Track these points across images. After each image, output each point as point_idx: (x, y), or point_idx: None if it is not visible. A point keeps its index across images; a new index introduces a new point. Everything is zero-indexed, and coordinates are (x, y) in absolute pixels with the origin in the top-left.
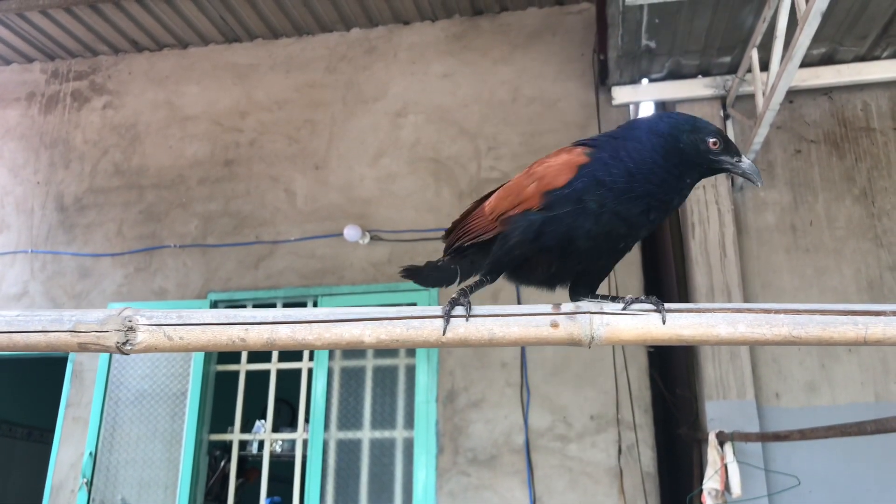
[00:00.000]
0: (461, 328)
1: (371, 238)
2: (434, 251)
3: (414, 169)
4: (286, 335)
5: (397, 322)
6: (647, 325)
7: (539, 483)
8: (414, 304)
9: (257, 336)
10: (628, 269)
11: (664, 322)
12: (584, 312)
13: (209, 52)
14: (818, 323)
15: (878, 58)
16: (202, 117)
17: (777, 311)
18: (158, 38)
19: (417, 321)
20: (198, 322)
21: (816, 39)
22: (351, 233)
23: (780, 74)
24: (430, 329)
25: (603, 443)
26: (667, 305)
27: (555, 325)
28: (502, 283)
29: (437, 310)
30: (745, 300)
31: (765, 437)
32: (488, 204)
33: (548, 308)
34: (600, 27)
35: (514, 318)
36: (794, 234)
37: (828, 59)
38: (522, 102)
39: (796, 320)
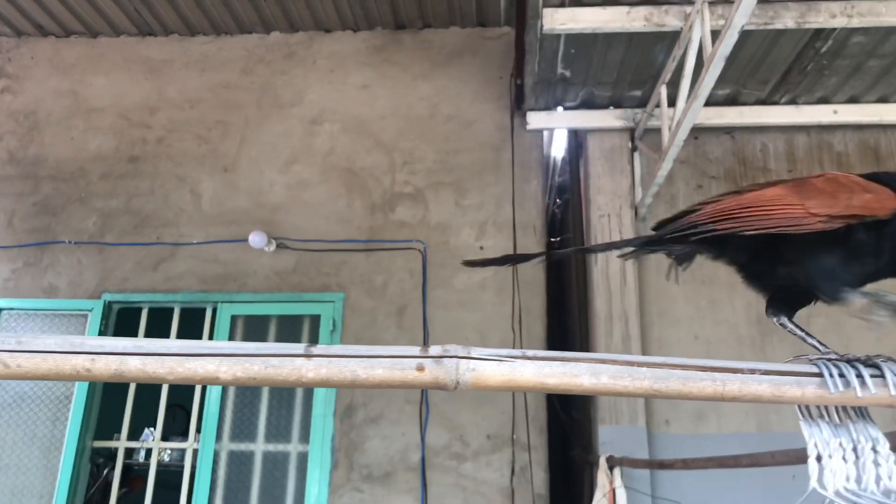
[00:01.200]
0: (323, 368)
1: (277, 246)
2: (341, 263)
3: (326, 178)
4: (136, 367)
5: (255, 359)
6: (513, 372)
7: (432, 501)
8: (318, 316)
9: (104, 367)
10: (532, 289)
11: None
12: (452, 357)
13: (120, 43)
14: (678, 378)
15: (777, 103)
16: (109, 110)
17: (640, 364)
18: (66, 23)
19: (277, 359)
20: (39, 349)
21: (722, 81)
22: (256, 239)
23: (686, 112)
24: (290, 368)
25: (497, 462)
26: (533, 353)
27: (420, 368)
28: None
29: (298, 348)
30: (642, 328)
31: (651, 465)
32: (815, 197)
33: (415, 350)
34: (518, 52)
35: (378, 359)
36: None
37: (732, 101)
38: (440, 120)
39: (657, 374)
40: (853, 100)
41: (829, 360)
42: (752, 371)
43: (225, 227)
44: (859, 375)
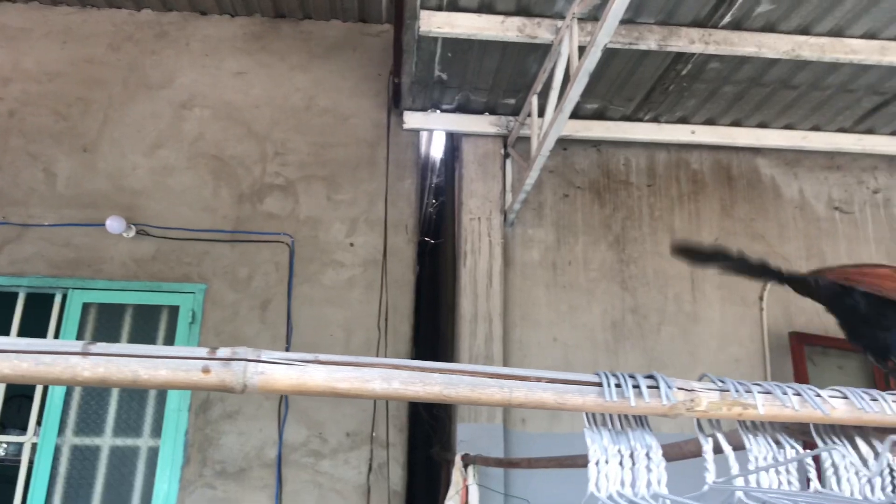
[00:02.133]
0: (101, 367)
1: (137, 232)
2: (204, 253)
3: (193, 164)
4: None
5: (26, 356)
6: (303, 376)
7: (287, 498)
8: (177, 307)
9: None
10: (401, 288)
11: None
12: (240, 359)
13: None
14: (468, 384)
15: (640, 120)
16: None
17: (432, 370)
18: None
19: (50, 357)
20: None
21: (590, 96)
22: (114, 224)
23: (552, 123)
24: (63, 366)
25: (356, 460)
26: (327, 358)
27: (206, 370)
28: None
29: (76, 345)
30: (505, 329)
31: (500, 463)
32: None
33: (203, 352)
34: (396, 52)
35: (163, 360)
36: (555, 272)
37: (599, 115)
38: (315, 112)
39: (449, 380)
40: (709, 121)
41: (612, 373)
42: (539, 379)
43: (81, 209)
44: (636, 386)
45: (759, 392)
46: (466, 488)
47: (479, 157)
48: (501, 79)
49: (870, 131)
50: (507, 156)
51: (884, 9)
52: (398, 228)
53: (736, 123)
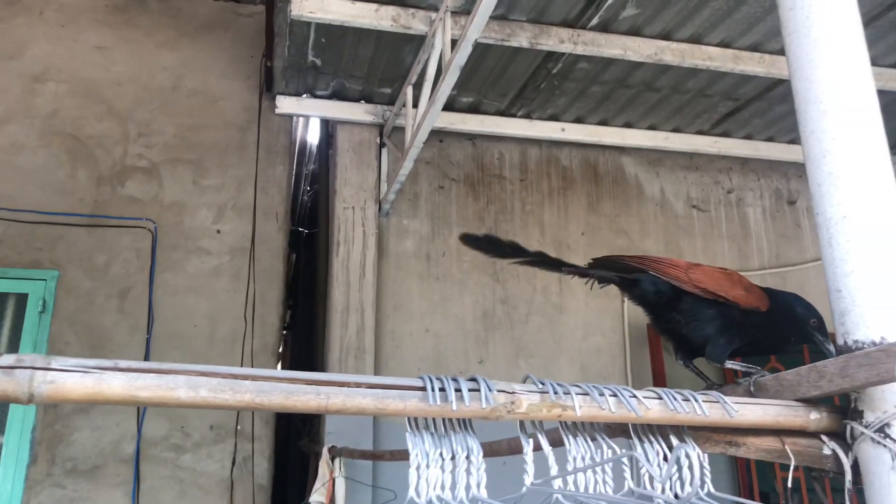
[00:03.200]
0: None
1: None
2: (58, 238)
3: (47, 143)
4: None
5: None
6: (100, 385)
7: (145, 495)
8: (26, 295)
9: None
10: (269, 278)
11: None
12: (26, 367)
13: None
14: (282, 391)
15: (514, 115)
16: None
17: (244, 377)
18: None
19: None
20: None
21: (466, 89)
22: None
23: (425, 115)
24: None
25: (219, 454)
26: (127, 364)
27: None
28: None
29: None
30: (377, 319)
31: (364, 455)
32: (698, 271)
33: None
34: (268, 34)
35: None
36: (429, 263)
37: (475, 109)
38: (183, 93)
39: (261, 387)
40: (579, 120)
41: (437, 377)
42: (358, 384)
43: None
44: (458, 390)
45: (578, 394)
46: (333, 480)
47: (354, 146)
48: (377, 67)
49: (725, 134)
50: (382, 145)
51: (737, 20)
52: (268, 216)
53: (603, 123)
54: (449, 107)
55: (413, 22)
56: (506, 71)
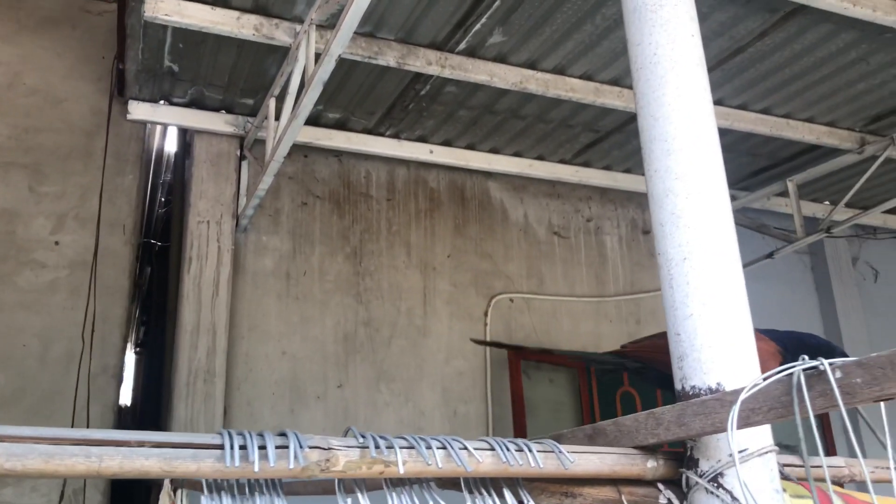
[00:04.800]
0: None
1: None
2: None
3: None
4: None
5: None
6: None
7: None
8: None
9: None
10: (114, 295)
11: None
12: None
13: None
14: (41, 454)
15: (382, 134)
16: None
17: None
18: None
19: None
20: None
21: (333, 105)
22: None
23: (286, 129)
24: None
25: (45, 487)
26: None
27: None
28: None
29: None
30: (230, 341)
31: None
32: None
33: None
34: (120, 35)
35: None
36: (288, 282)
37: (342, 125)
38: (21, 91)
39: (11, 450)
40: (447, 143)
41: (238, 432)
42: (141, 443)
43: None
44: (263, 447)
45: (403, 448)
46: None
47: (212, 157)
48: (239, 77)
49: (586, 164)
50: (243, 158)
51: (599, 54)
52: (114, 228)
53: (471, 147)
54: (315, 122)
55: (277, 33)
56: (374, 89)
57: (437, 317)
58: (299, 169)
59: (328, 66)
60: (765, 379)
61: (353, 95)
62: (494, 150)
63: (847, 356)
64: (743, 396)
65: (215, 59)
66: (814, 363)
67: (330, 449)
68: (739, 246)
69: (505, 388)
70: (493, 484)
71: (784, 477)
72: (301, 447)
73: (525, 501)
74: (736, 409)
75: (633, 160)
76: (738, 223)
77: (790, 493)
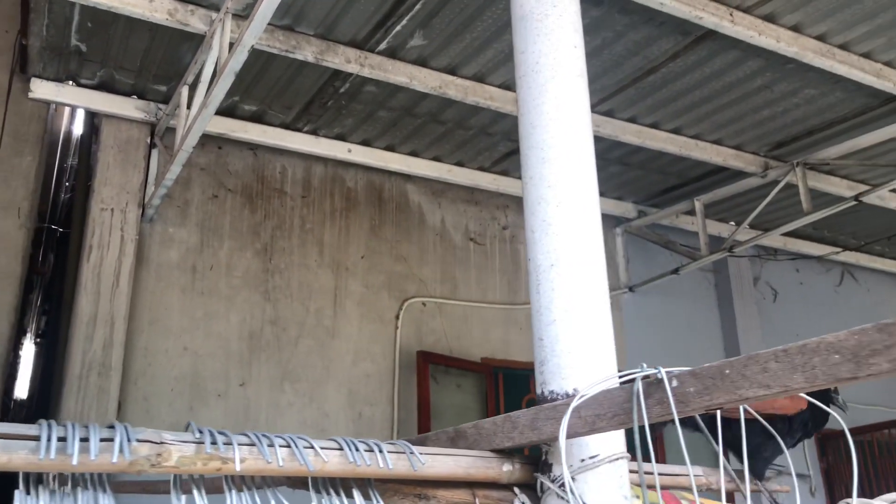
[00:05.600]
0: None
1: None
2: None
3: None
4: None
5: None
6: None
7: None
8: None
9: None
10: (2, 282)
11: None
12: None
13: None
14: None
15: (299, 130)
16: None
17: None
18: None
19: None
20: None
21: (250, 97)
22: None
23: (196, 118)
24: None
25: None
26: None
27: None
28: None
29: None
30: (129, 334)
31: None
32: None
33: None
34: (24, 9)
35: None
36: (194, 276)
37: (258, 118)
38: None
39: None
40: (366, 142)
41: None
42: None
43: None
44: (85, 439)
45: (243, 444)
46: None
47: (120, 143)
48: (151, 62)
49: (504, 173)
50: (153, 146)
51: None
52: (8, 211)
53: (390, 148)
54: (230, 113)
55: (192, 19)
56: (292, 83)
57: (347, 318)
58: (212, 161)
59: (241, 56)
60: (624, 381)
61: (271, 89)
62: (414, 153)
63: (837, 400)
64: (575, 403)
65: (127, 41)
66: (651, 371)
67: (162, 443)
68: (648, 261)
69: (412, 391)
70: (343, 484)
71: (643, 484)
72: (129, 440)
73: (375, 502)
74: (567, 415)
75: None
76: (646, 239)
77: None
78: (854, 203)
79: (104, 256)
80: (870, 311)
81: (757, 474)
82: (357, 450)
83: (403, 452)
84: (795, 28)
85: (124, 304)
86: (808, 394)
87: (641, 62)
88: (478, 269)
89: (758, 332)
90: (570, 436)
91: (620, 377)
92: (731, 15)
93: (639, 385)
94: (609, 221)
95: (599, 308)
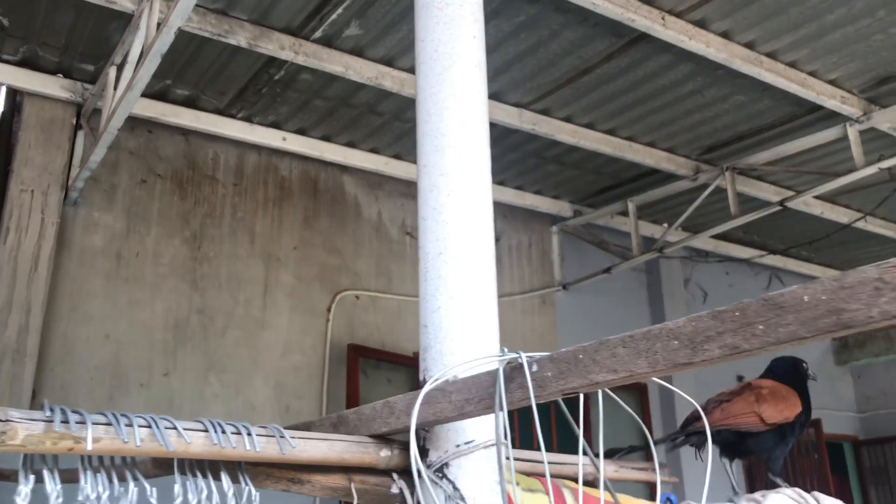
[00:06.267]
0: None
1: None
2: None
3: None
4: None
5: None
6: None
7: None
8: None
9: None
10: None
11: None
12: None
13: None
14: None
15: (233, 116)
16: None
17: None
18: None
19: None
20: None
21: (182, 81)
22: None
23: (122, 100)
24: None
25: None
26: None
27: None
28: None
29: None
30: (47, 320)
31: None
32: (764, 414)
33: None
34: None
35: None
36: (119, 262)
37: (191, 103)
38: None
39: None
40: (301, 132)
41: None
42: None
43: None
44: None
45: (99, 424)
46: None
47: (43, 122)
48: (78, 40)
49: None
50: (79, 127)
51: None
52: None
53: (326, 138)
54: (162, 97)
55: None
56: (225, 69)
57: (278, 309)
58: (142, 145)
59: (167, 37)
60: (498, 367)
61: (204, 73)
62: (351, 144)
63: (809, 374)
64: (427, 388)
65: (52, 17)
66: (513, 355)
67: (8, 421)
68: (583, 260)
69: (342, 385)
70: (212, 467)
71: (502, 468)
72: None
73: (244, 485)
74: (418, 401)
75: None
76: (581, 238)
77: (523, 487)
78: (780, 208)
79: (22, 240)
80: None
81: (773, 471)
82: (223, 432)
83: (273, 436)
84: (725, 35)
85: (42, 290)
86: (789, 370)
87: (577, 62)
88: (413, 263)
89: None
90: (440, 421)
91: (483, 362)
92: (662, 19)
93: (501, 371)
94: (545, 220)
95: (485, 297)
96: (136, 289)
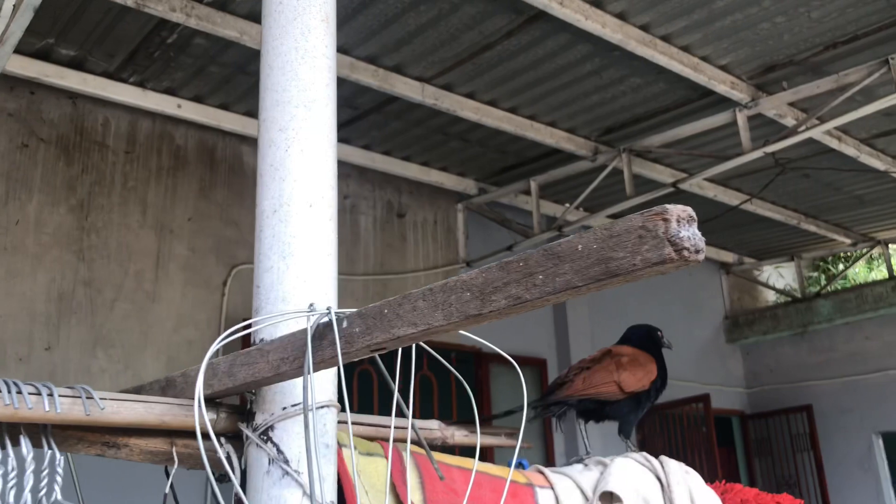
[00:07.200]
0: None
1: None
2: None
3: None
4: None
5: None
6: None
7: None
8: None
9: None
10: None
11: None
12: None
13: None
14: None
15: (124, 81)
16: None
17: None
18: None
19: None
20: None
21: (67, 40)
22: None
23: None
24: None
25: None
26: None
27: None
28: None
29: None
30: None
31: None
32: (623, 383)
33: None
34: None
35: None
36: (6, 237)
37: (78, 65)
38: None
39: None
40: (198, 99)
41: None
42: None
43: None
44: None
45: None
46: None
47: None
48: None
49: (345, 141)
50: None
51: (354, 28)
52: None
53: (224, 107)
54: (45, 56)
55: None
56: (114, 29)
57: (170, 282)
58: (23, 107)
59: None
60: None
61: (90, 33)
62: (250, 114)
63: (664, 342)
64: (215, 347)
65: None
66: (322, 311)
67: None
68: (487, 237)
69: None
70: (11, 430)
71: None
72: None
73: (47, 449)
74: (206, 360)
75: (392, 142)
76: (484, 215)
77: (362, 450)
78: (672, 190)
79: None
80: (691, 294)
81: (625, 434)
82: (20, 392)
83: (79, 396)
84: (621, 16)
85: None
86: (644, 338)
87: (478, 37)
88: None
89: (584, 307)
90: (260, 382)
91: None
92: None
93: (309, 326)
94: (451, 197)
95: (323, 258)
96: (15, 259)
